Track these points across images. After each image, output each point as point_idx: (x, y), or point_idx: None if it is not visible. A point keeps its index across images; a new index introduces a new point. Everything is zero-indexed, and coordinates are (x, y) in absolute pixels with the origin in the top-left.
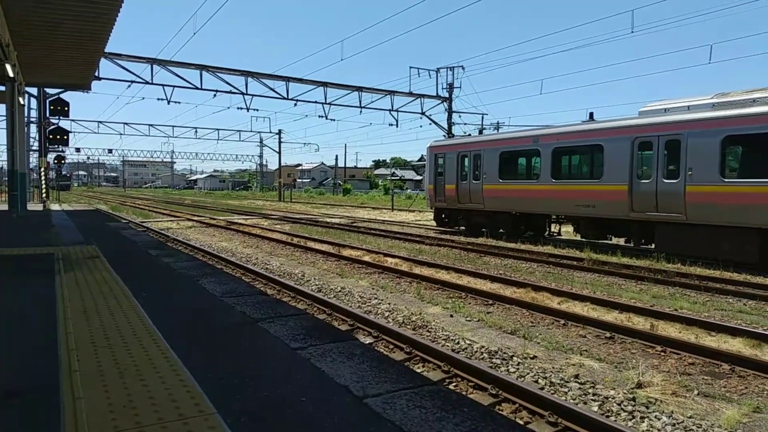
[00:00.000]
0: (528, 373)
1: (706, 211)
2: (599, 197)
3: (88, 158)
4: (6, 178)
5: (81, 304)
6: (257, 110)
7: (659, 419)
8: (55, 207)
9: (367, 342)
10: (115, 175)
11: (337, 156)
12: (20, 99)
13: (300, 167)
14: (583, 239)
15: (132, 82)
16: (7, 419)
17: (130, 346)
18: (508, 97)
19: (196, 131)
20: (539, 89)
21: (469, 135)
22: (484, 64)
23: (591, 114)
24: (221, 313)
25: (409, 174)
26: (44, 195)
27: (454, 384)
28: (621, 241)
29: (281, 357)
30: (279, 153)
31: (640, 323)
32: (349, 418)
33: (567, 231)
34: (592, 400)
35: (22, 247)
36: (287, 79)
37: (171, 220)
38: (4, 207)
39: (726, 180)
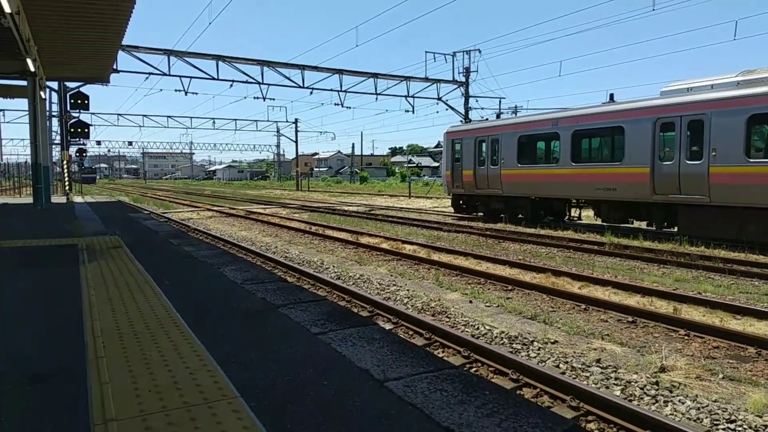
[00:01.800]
0: (549, 358)
1: (731, 193)
2: (620, 180)
3: (109, 151)
4: (30, 172)
5: (105, 292)
6: (273, 99)
7: (683, 403)
8: (78, 199)
9: (387, 328)
10: (135, 167)
11: (353, 144)
12: (41, 93)
13: (317, 156)
14: (604, 223)
15: (149, 74)
16: (34, 402)
17: (154, 332)
18: (527, 80)
19: (213, 122)
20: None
21: (487, 120)
22: (501, 47)
23: (611, 95)
24: (243, 299)
25: (426, 161)
26: (67, 188)
27: (474, 369)
28: (643, 225)
29: (302, 341)
30: (296, 142)
31: (663, 307)
32: (371, 401)
33: (587, 215)
34: (614, 384)
35: (47, 239)
36: (302, 68)
37: (191, 211)
38: (29, 200)
39: (751, 160)
